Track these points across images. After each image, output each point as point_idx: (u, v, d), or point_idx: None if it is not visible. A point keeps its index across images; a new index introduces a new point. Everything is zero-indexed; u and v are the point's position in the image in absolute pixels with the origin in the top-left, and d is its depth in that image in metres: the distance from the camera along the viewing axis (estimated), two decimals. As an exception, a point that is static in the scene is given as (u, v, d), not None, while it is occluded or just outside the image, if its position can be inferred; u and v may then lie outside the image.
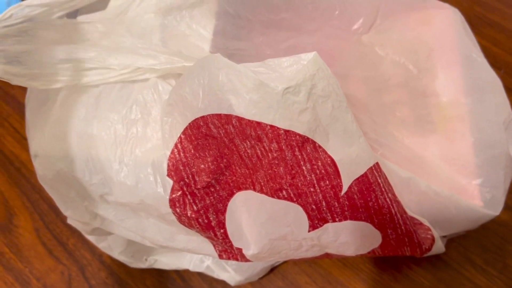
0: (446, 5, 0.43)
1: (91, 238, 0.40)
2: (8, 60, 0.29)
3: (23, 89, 0.33)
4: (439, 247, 0.34)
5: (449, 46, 0.41)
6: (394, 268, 0.43)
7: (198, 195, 0.28)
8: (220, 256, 0.33)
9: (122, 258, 0.40)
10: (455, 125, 0.38)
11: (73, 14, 0.36)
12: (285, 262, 0.43)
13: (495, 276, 0.42)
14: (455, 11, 0.43)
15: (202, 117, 0.25)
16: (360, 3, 0.40)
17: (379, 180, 0.27)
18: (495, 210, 0.35)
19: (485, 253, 0.43)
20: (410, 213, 0.31)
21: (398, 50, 0.41)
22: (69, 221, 0.37)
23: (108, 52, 0.29)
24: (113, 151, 0.29)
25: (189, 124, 0.26)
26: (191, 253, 0.35)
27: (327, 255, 0.33)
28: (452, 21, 0.42)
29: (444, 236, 0.37)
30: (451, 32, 0.42)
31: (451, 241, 0.43)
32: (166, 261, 0.39)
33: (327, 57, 0.40)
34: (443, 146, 0.37)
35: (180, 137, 0.27)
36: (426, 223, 0.32)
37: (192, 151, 0.27)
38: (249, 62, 0.36)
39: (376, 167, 0.27)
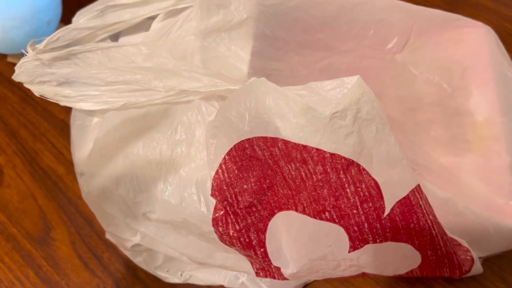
0: (480, 24, 0.43)
1: (127, 252, 0.41)
2: (58, 82, 0.30)
3: (60, 105, 0.34)
4: (477, 268, 0.33)
5: (483, 64, 0.41)
6: (427, 287, 0.43)
7: (240, 214, 0.28)
8: (257, 274, 0.34)
9: (157, 273, 0.41)
10: (490, 144, 0.38)
11: (115, 36, 0.38)
12: (316, 280, 0.43)
13: (531, 297, 0.41)
14: (489, 29, 0.43)
15: (248, 139, 0.26)
16: (394, 23, 0.40)
17: (421, 202, 0.28)
18: (534, 231, 0.35)
19: (521, 273, 0.42)
20: (449, 234, 0.31)
21: (432, 69, 0.41)
22: (108, 236, 0.38)
23: (154, 74, 0.30)
24: (158, 170, 0.30)
25: (234, 145, 0.27)
26: (229, 270, 0.36)
27: (363, 274, 0.33)
28: (485, 39, 0.42)
29: (480, 257, 0.37)
30: (485, 50, 0.42)
31: (486, 261, 0.43)
32: (201, 277, 0.40)
33: (361, 77, 0.41)
34: (479, 165, 0.37)
35: (224, 158, 0.28)
36: (465, 244, 0.32)
37: (236, 171, 0.28)
38: (285, 82, 0.37)
39: (418, 189, 0.28)
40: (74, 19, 0.38)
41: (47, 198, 0.50)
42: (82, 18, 0.35)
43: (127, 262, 0.45)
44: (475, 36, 0.43)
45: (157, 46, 0.33)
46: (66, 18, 0.52)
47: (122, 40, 0.37)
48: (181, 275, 0.41)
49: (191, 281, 0.41)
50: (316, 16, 0.37)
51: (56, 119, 0.54)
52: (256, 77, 0.36)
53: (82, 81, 0.30)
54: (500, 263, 0.43)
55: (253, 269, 0.33)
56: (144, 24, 0.37)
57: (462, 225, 0.33)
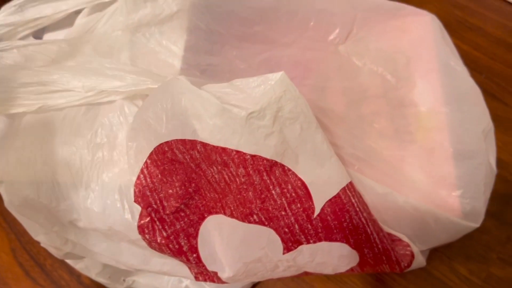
0: (424, 12, 0.43)
1: (67, 260, 0.39)
2: (-32, 85, 0.28)
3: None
4: (419, 262, 0.33)
5: (427, 54, 0.41)
6: (377, 280, 0.42)
7: (168, 220, 0.27)
8: (197, 278, 0.32)
9: (99, 279, 0.39)
10: (434, 135, 0.37)
11: (39, 32, 0.35)
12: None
13: (479, 285, 0.41)
14: (433, 17, 0.42)
15: (167, 142, 0.25)
16: (335, 13, 0.39)
17: (353, 200, 0.27)
18: (476, 221, 0.35)
19: (469, 262, 0.42)
20: (387, 229, 0.31)
21: (376, 60, 0.41)
22: (43, 245, 0.36)
23: (72, 74, 0.28)
24: (79, 177, 0.28)
25: (154, 149, 0.25)
26: (167, 275, 0.34)
27: (306, 273, 0.33)
28: (430, 28, 0.42)
29: (426, 249, 0.37)
30: (429, 39, 0.41)
31: (435, 250, 0.43)
32: (144, 282, 0.38)
33: (304, 70, 0.40)
34: (422, 157, 0.37)
35: (146, 162, 0.26)
36: (404, 239, 0.32)
37: (159, 176, 0.26)
38: (222, 77, 0.36)
39: (350, 187, 0.27)
40: (-5, 15, 0.36)
41: (-16, 205, 0.47)
42: (1, 14, 0.33)
43: (71, 269, 0.43)
44: (419, 25, 0.42)
45: (80, 43, 0.31)
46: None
47: (47, 36, 0.35)
48: (124, 280, 0.39)
49: (134, 286, 0.40)
50: (252, 7, 0.36)
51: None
52: (190, 72, 0.34)
53: (-6, 83, 0.28)
54: (449, 253, 0.43)
55: (192, 273, 0.32)
56: (71, 20, 0.35)
57: (402, 219, 0.33)
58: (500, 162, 0.39)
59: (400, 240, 0.31)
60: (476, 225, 0.34)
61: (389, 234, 0.30)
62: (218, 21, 0.35)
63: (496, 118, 0.38)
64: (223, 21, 0.35)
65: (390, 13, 0.41)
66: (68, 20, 0.34)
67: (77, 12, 0.34)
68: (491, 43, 0.53)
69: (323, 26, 0.39)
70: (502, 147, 0.46)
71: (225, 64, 0.36)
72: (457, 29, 0.55)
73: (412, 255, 0.31)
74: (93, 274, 0.39)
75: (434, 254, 0.43)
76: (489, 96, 0.50)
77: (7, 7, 0.35)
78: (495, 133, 0.38)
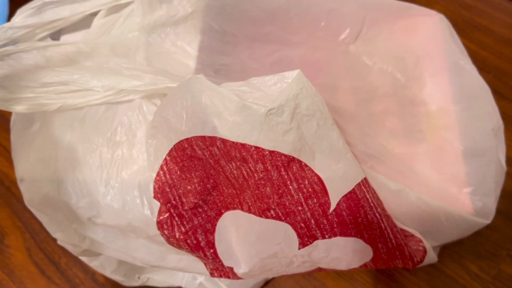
0: (433, 12, 0.43)
1: (82, 257, 0.40)
2: (-9, 85, 0.29)
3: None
4: (431, 257, 0.33)
5: (436, 53, 0.41)
6: (388, 277, 0.43)
7: (186, 216, 0.28)
8: (212, 274, 0.33)
9: (114, 276, 0.40)
10: (444, 134, 0.38)
11: (56, 34, 0.36)
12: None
13: (490, 282, 0.42)
14: (442, 17, 0.43)
15: (187, 139, 0.25)
16: (345, 13, 0.40)
17: (368, 196, 0.27)
18: (487, 218, 0.35)
19: (479, 260, 0.43)
20: (400, 225, 0.31)
21: (386, 59, 0.41)
22: (59, 243, 0.37)
23: (91, 74, 0.29)
24: (99, 174, 0.28)
25: (174, 146, 0.26)
26: (183, 271, 0.35)
27: (319, 269, 0.33)
28: (438, 28, 0.42)
29: (437, 246, 0.37)
30: (438, 39, 0.42)
31: (445, 248, 0.43)
32: (158, 279, 0.39)
33: (315, 69, 0.41)
34: (433, 155, 0.37)
35: (165, 159, 0.27)
36: (417, 234, 0.32)
37: (178, 172, 0.27)
38: (235, 77, 0.36)
39: (364, 183, 0.27)
40: (13, 17, 0.37)
41: (0, 204, 0.48)
42: (19, 16, 0.34)
43: (85, 267, 0.44)
44: (428, 25, 0.42)
45: (98, 44, 0.32)
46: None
47: (64, 38, 0.35)
48: (138, 278, 0.40)
49: (149, 283, 0.40)
50: (265, 8, 0.36)
51: (8, 121, 0.52)
52: (204, 72, 0.35)
53: (16, 83, 0.29)
54: (459, 250, 0.44)
55: (207, 269, 0.33)
56: (87, 21, 0.36)
57: (415, 215, 0.33)
58: (509, 161, 0.39)
59: (412, 235, 0.32)
60: (487, 221, 0.35)
61: (402, 230, 0.31)
62: (231, 22, 0.36)
63: (504, 116, 0.38)
64: (236, 22, 0.36)
65: (399, 13, 0.42)
66: (85, 21, 0.35)
67: (94, 14, 0.35)
68: (498, 43, 0.53)
69: (334, 26, 0.40)
70: (511, 145, 0.46)
71: (238, 64, 0.36)
72: (464, 28, 0.55)
73: (425, 251, 0.32)
74: (108, 272, 0.40)
75: (444, 251, 0.43)
76: (497, 95, 0.50)
77: (24, 9, 0.36)
78: (504, 131, 0.38)
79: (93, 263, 0.41)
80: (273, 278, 0.43)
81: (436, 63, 0.41)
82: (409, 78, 0.41)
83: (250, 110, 0.23)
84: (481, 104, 0.38)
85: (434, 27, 0.43)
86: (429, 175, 0.37)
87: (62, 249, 0.45)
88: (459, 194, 0.36)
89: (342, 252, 0.29)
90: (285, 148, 0.24)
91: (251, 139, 0.24)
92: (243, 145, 0.24)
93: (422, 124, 0.39)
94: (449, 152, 0.37)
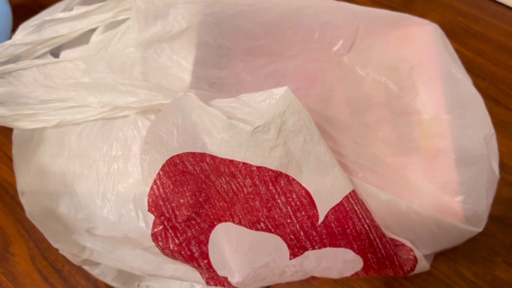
0: (426, 22, 0.44)
1: (84, 266, 0.41)
2: (-8, 102, 0.30)
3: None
4: (423, 266, 0.34)
5: (429, 63, 0.42)
6: (385, 284, 0.43)
7: (180, 228, 0.29)
8: (208, 283, 0.34)
9: (115, 284, 0.41)
10: (436, 142, 0.38)
11: (56, 50, 0.37)
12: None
13: (485, 288, 0.42)
14: (435, 27, 0.43)
15: (178, 155, 0.26)
16: (339, 25, 0.40)
17: (356, 208, 0.28)
18: (478, 226, 0.35)
19: (474, 266, 0.43)
20: (390, 235, 0.32)
21: (379, 69, 0.42)
22: (61, 252, 0.38)
23: (88, 91, 0.30)
24: (96, 187, 0.29)
25: (166, 161, 0.27)
26: (180, 280, 0.36)
27: (313, 278, 0.34)
28: (432, 38, 0.43)
29: (431, 254, 0.37)
30: (431, 48, 0.42)
31: (440, 254, 0.44)
32: (157, 287, 0.40)
33: (308, 80, 0.41)
34: (425, 164, 0.38)
35: (158, 173, 0.28)
36: (408, 243, 0.33)
37: (171, 186, 0.28)
38: (229, 89, 0.37)
39: (352, 195, 0.28)
40: (15, 34, 0.38)
41: (5, 213, 0.49)
42: (20, 33, 0.35)
43: (87, 275, 0.45)
44: (422, 35, 0.43)
45: (95, 60, 0.33)
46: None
47: (63, 54, 0.36)
48: (138, 286, 0.41)
49: (148, 291, 0.41)
50: (258, 22, 0.37)
51: (12, 132, 0.53)
52: (200, 86, 0.36)
53: (16, 101, 0.30)
54: (454, 257, 0.44)
55: (203, 278, 0.34)
56: (86, 37, 0.37)
57: (405, 224, 0.34)
58: (504, 167, 0.40)
59: (403, 245, 0.32)
60: (479, 229, 0.35)
61: (392, 239, 0.31)
62: (226, 36, 0.37)
63: (500, 123, 0.38)
64: (231, 36, 0.37)
65: (393, 24, 0.43)
66: (83, 38, 0.36)
67: (92, 30, 0.36)
68: (494, 49, 0.54)
69: (327, 38, 0.40)
70: (507, 152, 0.46)
71: (233, 77, 0.37)
72: (461, 36, 0.55)
73: (415, 260, 0.32)
74: (109, 279, 0.41)
75: (439, 258, 0.44)
76: (493, 101, 0.50)
77: (25, 26, 0.37)
78: (499, 138, 0.38)
79: (95, 271, 0.42)
80: (270, 286, 0.43)
81: (429, 72, 0.41)
82: (402, 87, 0.41)
83: (237, 128, 0.24)
84: (473, 113, 0.39)
85: (428, 37, 0.43)
86: (422, 183, 0.37)
87: (65, 257, 0.46)
88: (451, 202, 0.36)
89: (333, 262, 0.30)
90: (272, 163, 0.25)
91: (239, 156, 0.24)
92: (231, 161, 0.25)
93: (415, 133, 0.40)
94: (442, 161, 0.38)
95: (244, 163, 0.25)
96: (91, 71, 0.32)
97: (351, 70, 0.42)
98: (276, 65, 0.39)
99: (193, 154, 0.26)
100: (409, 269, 0.32)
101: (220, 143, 0.24)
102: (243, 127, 0.24)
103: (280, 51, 0.39)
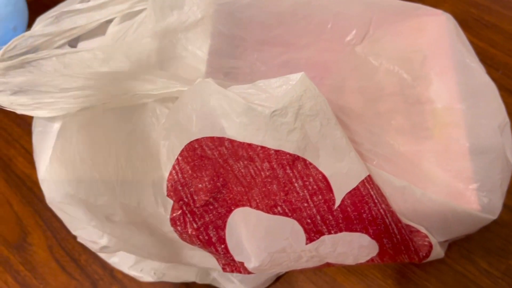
0: (439, 11, 0.44)
1: (101, 254, 0.42)
2: (13, 91, 0.31)
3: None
4: (437, 253, 0.34)
5: (443, 52, 0.42)
6: (398, 273, 0.44)
7: (198, 213, 0.29)
8: (224, 269, 0.34)
9: (132, 272, 0.42)
10: (450, 131, 0.38)
11: (74, 41, 0.38)
12: (290, 271, 0.44)
13: (499, 277, 0.42)
14: (449, 17, 0.43)
15: (197, 140, 0.27)
16: (352, 15, 0.40)
17: (372, 192, 0.28)
18: (493, 214, 0.35)
19: (488, 255, 0.43)
20: (405, 221, 0.32)
21: (392, 59, 0.42)
22: (79, 240, 0.39)
23: (108, 79, 0.30)
24: (115, 173, 0.30)
25: (185, 146, 0.27)
26: (196, 266, 0.36)
27: (328, 265, 0.34)
28: (445, 27, 0.43)
29: (446, 240, 0.38)
30: (444, 38, 0.42)
31: (454, 244, 0.44)
32: (173, 275, 0.41)
33: (322, 70, 0.42)
34: (439, 152, 0.38)
35: (177, 159, 0.28)
36: (423, 230, 0.33)
37: (190, 171, 0.28)
38: (244, 79, 0.38)
39: (368, 180, 0.28)
40: (33, 26, 0.39)
41: (23, 204, 0.50)
42: (38, 24, 0.36)
43: (104, 263, 0.46)
44: (435, 24, 0.43)
45: (112, 50, 0.33)
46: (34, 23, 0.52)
47: (81, 45, 0.37)
48: (154, 273, 0.42)
49: (165, 279, 0.42)
50: (272, 12, 0.38)
51: (29, 125, 0.54)
52: (214, 75, 0.36)
53: (36, 89, 0.30)
54: (468, 246, 0.44)
55: (219, 264, 0.34)
56: (103, 28, 0.37)
57: (420, 212, 0.34)
58: (520, 157, 0.39)
59: (418, 231, 0.33)
60: (493, 217, 0.35)
61: (407, 225, 0.31)
62: (240, 26, 0.37)
63: (513, 113, 0.38)
64: (244, 26, 0.37)
65: (406, 14, 0.43)
66: (100, 29, 0.37)
67: (108, 22, 0.37)
68: (507, 40, 0.54)
69: (340, 28, 0.41)
70: (521, 142, 0.46)
71: (247, 66, 0.38)
72: (473, 26, 0.55)
73: (431, 246, 0.33)
74: (126, 268, 0.42)
75: (453, 247, 0.44)
76: (506, 92, 0.50)
77: (43, 18, 0.38)
78: (512, 128, 0.38)
79: (112, 260, 0.43)
80: (284, 274, 0.44)
81: (443, 62, 0.41)
82: (416, 77, 0.41)
83: (255, 112, 0.24)
84: (487, 102, 0.39)
85: (441, 27, 0.43)
86: (435, 172, 0.37)
87: (82, 246, 0.47)
88: (465, 190, 0.36)
89: (349, 247, 0.30)
90: (289, 147, 0.25)
91: (257, 139, 0.25)
92: (249, 145, 0.25)
93: (429, 122, 0.40)
94: (455, 149, 0.38)
95: (262, 147, 0.25)
96: (109, 60, 0.33)
97: (364, 60, 0.42)
98: (289, 55, 0.39)
99: (212, 139, 0.26)
100: (424, 255, 0.32)
101: (239, 127, 0.25)
102: (261, 111, 0.24)
103: (293, 41, 0.40)
